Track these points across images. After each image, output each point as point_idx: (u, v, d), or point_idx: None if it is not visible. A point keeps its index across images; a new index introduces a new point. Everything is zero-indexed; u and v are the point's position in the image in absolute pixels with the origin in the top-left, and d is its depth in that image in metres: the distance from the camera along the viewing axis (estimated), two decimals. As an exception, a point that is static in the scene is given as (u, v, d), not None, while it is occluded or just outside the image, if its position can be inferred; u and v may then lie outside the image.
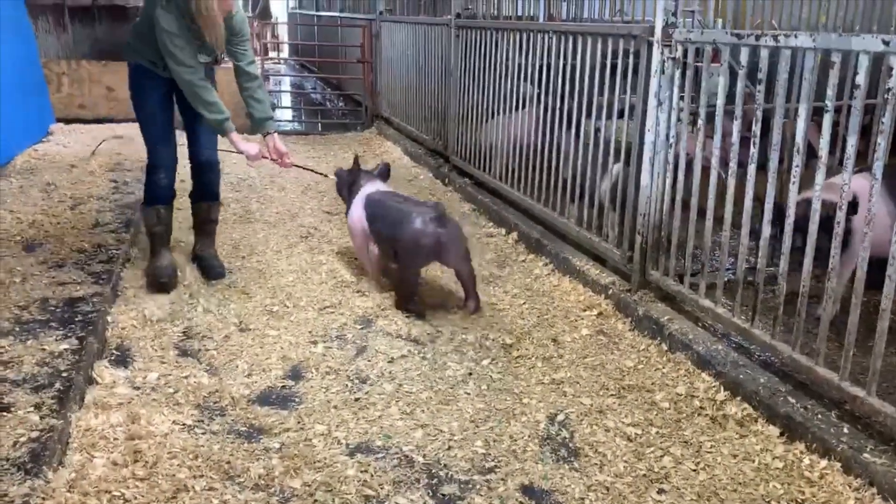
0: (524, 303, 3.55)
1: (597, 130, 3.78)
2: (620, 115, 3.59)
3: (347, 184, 3.83)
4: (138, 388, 2.65)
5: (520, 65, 4.55)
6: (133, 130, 7.07)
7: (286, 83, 13.20)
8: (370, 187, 3.71)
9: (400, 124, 7.59)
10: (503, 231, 4.61)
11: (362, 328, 3.23)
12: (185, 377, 2.75)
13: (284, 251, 4.17)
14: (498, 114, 4.95)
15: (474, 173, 5.40)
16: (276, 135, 3.57)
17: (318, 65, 12.95)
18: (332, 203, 5.29)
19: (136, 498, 2.10)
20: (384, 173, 3.86)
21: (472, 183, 5.47)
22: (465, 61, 5.40)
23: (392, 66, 7.76)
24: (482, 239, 4.56)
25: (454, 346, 3.08)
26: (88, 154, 5.93)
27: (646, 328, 3.17)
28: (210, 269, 3.71)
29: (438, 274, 3.88)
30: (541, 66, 4.28)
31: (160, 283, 3.46)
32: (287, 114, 10.31)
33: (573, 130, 3.94)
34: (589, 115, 3.84)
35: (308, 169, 4.10)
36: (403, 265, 3.30)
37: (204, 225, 3.82)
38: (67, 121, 7.18)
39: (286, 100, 11.85)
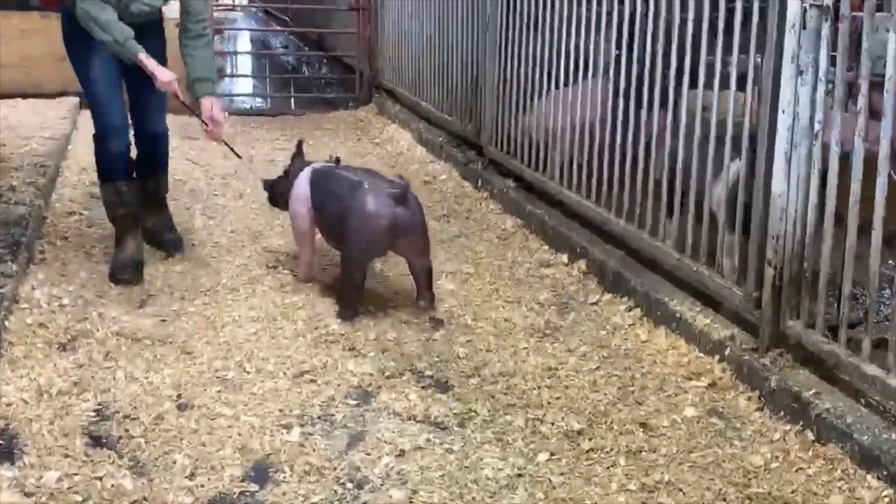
0: (598, 367, 3.54)
1: (704, 109, 3.77)
2: (740, 84, 3.58)
3: (293, 174, 4.30)
4: (31, 495, 2.65)
5: (589, 14, 4.56)
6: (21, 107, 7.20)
7: (245, 40, 13.39)
8: (318, 164, 4.27)
9: (410, 99, 7.64)
10: (564, 258, 4.61)
11: (358, 404, 3.23)
12: (99, 478, 2.75)
13: (243, 289, 4.20)
14: (557, 85, 4.96)
15: (522, 172, 5.42)
16: (215, 100, 4.26)
17: (291, 14, 13.14)
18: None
19: None
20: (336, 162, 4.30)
21: (519, 186, 5.48)
22: (509, 8, 5.44)
23: (401, 16, 7.83)
24: (533, 269, 4.56)
25: (494, 433, 3.07)
26: None
27: (782, 407, 3.13)
28: (167, 243, 4.57)
29: (470, 324, 3.88)
30: (620, 16, 4.30)
31: (118, 279, 4.19)
32: (246, 84, 10.44)
33: (669, 109, 3.94)
34: (693, 85, 3.83)
35: (231, 149, 4.53)
36: (348, 253, 3.87)
37: (154, 201, 4.63)
38: None
39: (245, 64, 12.01)
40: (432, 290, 4.03)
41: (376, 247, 3.86)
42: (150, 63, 4.03)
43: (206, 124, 4.25)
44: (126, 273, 4.20)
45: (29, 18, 7.76)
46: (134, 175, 4.38)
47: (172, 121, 7.22)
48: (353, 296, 3.90)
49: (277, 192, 4.43)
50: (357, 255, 3.84)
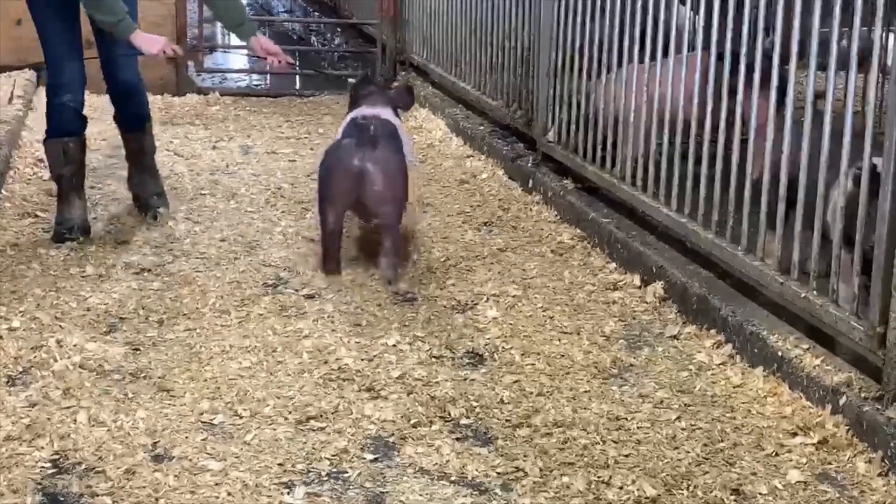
0: (677, 418, 3.51)
1: (817, 96, 3.74)
2: (860, 65, 3.55)
3: (350, 102, 5.29)
4: (-30, 565, 2.68)
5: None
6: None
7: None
8: (367, 110, 4.90)
9: (445, 79, 7.65)
10: (636, 279, 4.60)
11: (377, 459, 3.22)
12: (55, 545, 2.78)
13: (235, 312, 4.21)
14: (629, 62, 4.95)
15: (583, 170, 5.41)
16: (259, 36, 5.18)
17: (297, -31, 13.20)
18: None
19: None
20: (401, 99, 5.27)
21: (579, 188, 5.46)
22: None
23: (433, -26, 7.85)
24: (597, 293, 4.54)
25: (547, 499, 3.04)
26: None
27: (913, 472, 3.09)
28: (150, 208, 5.27)
29: (518, 360, 3.87)
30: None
31: (60, 236, 4.87)
32: (241, 59, 10.52)
33: (770, 95, 3.92)
34: (801, 65, 3.81)
35: (321, 72, 5.41)
36: (319, 204, 4.65)
37: (136, 157, 5.40)
38: None
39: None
40: (395, 262, 4.62)
41: (338, 196, 4.55)
42: (141, 43, 4.80)
43: (266, 59, 5.23)
44: (71, 232, 4.89)
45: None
46: (85, 134, 5.16)
47: (150, 104, 7.33)
48: (326, 246, 4.61)
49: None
50: (320, 203, 4.62)
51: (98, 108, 4.83)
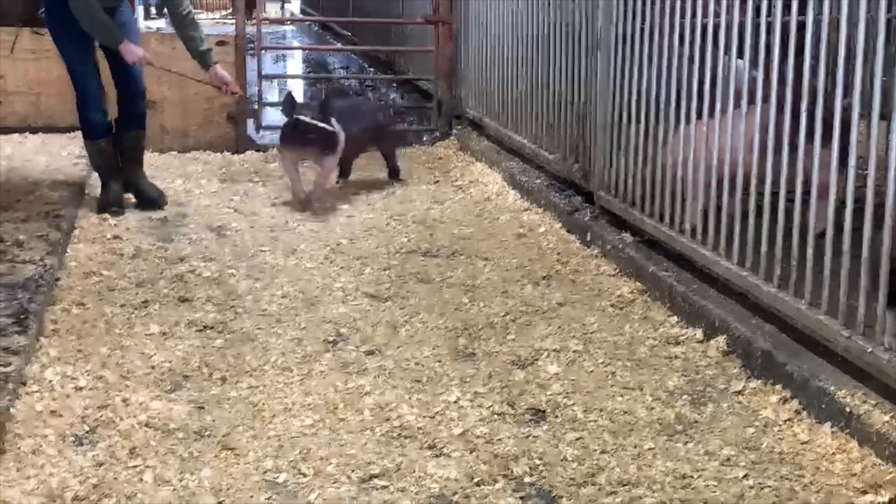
0: (745, 476, 3.46)
1: None
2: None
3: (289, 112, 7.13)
4: None
5: (719, 24, 4.59)
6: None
7: (297, 60, 13.60)
8: (302, 114, 6.94)
9: (500, 133, 7.67)
10: (699, 334, 4.56)
11: (441, 519, 3.22)
12: None
13: (296, 369, 4.23)
14: (688, 118, 4.95)
15: (643, 224, 5.39)
16: (217, 66, 6.56)
17: (353, 29, 13.37)
18: (379, 274, 5.39)
19: None
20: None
21: (638, 241, 5.44)
22: (624, 20, 5.48)
23: (488, 30, 7.90)
24: (659, 348, 4.50)
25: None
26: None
27: None
28: (150, 199, 6.54)
29: (580, 417, 3.84)
30: (770, 27, 4.29)
31: (109, 210, 6.34)
32: (297, 114, 10.58)
33: (834, 149, 3.91)
34: (865, 118, 3.79)
35: (232, 91, 6.79)
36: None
37: (134, 152, 6.63)
38: None
39: (296, 90, 12.18)
40: (398, 174, 7.53)
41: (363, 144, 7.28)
42: (123, 48, 6.19)
43: (220, 88, 6.65)
44: (115, 206, 6.35)
45: (40, 38, 7.97)
46: (114, 132, 6.46)
47: (209, 160, 7.46)
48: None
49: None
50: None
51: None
